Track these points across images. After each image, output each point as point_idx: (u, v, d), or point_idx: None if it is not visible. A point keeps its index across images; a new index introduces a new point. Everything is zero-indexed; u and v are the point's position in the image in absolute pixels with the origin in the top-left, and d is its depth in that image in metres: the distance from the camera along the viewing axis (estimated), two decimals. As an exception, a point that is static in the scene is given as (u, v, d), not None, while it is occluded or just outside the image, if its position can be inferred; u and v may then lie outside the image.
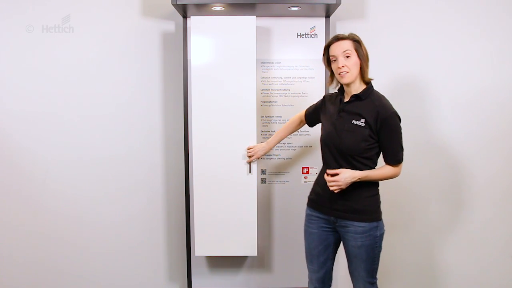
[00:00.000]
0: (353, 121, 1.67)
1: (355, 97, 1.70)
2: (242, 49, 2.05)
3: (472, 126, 2.42)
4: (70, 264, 2.48)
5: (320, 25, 2.23)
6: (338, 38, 1.68)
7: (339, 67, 1.66)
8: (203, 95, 2.08)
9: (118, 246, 2.49)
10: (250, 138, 2.08)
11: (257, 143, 2.27)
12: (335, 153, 1.71)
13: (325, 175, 1.68)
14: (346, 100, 1.73)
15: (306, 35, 2.24)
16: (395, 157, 1.69)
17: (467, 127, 2.42)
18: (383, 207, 2.46)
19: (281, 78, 2.27)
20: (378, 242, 1.72)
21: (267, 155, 2.30)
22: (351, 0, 2.33)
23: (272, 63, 2.26)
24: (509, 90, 2.39)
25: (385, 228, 2.48)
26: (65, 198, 2.43)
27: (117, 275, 2.51)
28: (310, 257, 1.86)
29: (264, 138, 2.29)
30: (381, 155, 1.74)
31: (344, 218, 1.72)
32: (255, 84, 2.06)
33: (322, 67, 2.15)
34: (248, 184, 2.10)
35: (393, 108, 1.67)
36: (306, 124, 2.01)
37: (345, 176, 1.64)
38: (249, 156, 2.06)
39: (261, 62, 2.25)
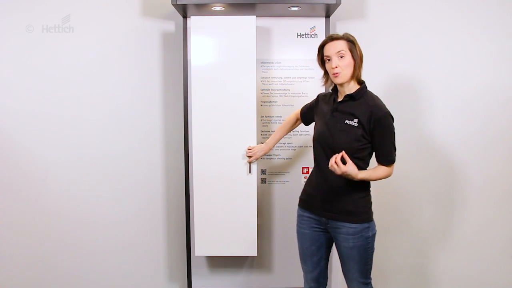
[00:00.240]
0: (346, 121, 1.67)
1: (349, 97, 1.69)
2: (242, 49, 2.05)
3: (472, 126, 2.42)
4: (70, 264, 2.48)
5: (320, 25, 2.23)
6: (332, 38, 1.68)
7: (332, 67, 1.66)
8: (203, 95, 2.07)
9: (118, 246, 2.49)
10: (250, 138, 2.08)
11: (257, 143, 2.28)
12: (328, 153, 1.71)
13: (334, 158, 1.59)
14: (339, 99, 1.73)
15: (306, 35, 2.24)
16: (388, 157, 1.69)
17: (467, 128, 2.42)
18: (379, 209, 2.46)
19: (281, 78, 2.27)
20: (371, 242, 1.72)
21: (267, 155, 2.30)
22: (351, 0, 2.33)
23: (272, 63, 2.26)
24: (508, 90, 2.39)
25: (381, 230, 2.48)
26: (65, 198, 2.43)
27: (117, 275, 2.51)
28: (303, 257, 1.87)
29: (264, 138, 2.29)
30: (373, 156, 1.74)
31: (336, 219, 1.72)
32: (255, 84, 2.05)
33: (322, 67, 2.15)
34: (248, 184, 2.10)
35: (387, 108, 1.66)
36: (302, 123, 2.01)
37: (349, 170, 1.58)
38: (249, 157, 2.05)
39: (261, 62, 2.25)
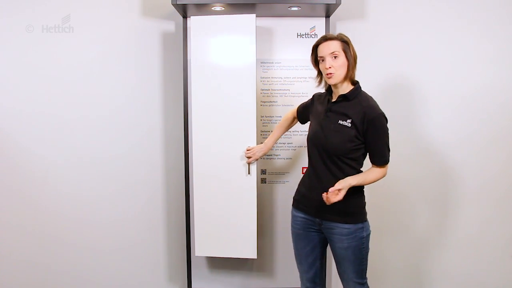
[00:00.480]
0: (339, 121, 1.67)
1: (342, 98, 1.69)
2: (242, 48, 2.03)
3: (471, 127, 2.42)
4: (70, 264, 2.48)
5: (320, 25, 2.23)
6: (326, 39, 1.67)
7: (326, 68, 1.66)
8: (203, 95, 2.07)
9: (118, 246, 2.49)
10: (249, 138, 2.06)
11: (257, 143, 2.28)
12: (321, 153, 1.71)
13: (325, 196, 1.62)
14: (333, 100, 1.73)
15: (306, 35, 2.24)
16: (382, 158, 1.68)
17: (467, 128, 2.42)
18: (376, 210, 2.47)
19: (281, 78, 2.27)
20: (365, 243, 1.72)
21: (267, 155, 2.30)
22: (351, 0, 2.33)
23: (272, 63, 2.26)
24: (507, 91, 2.39)
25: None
26: (65, 198, 2.43)
27: (117, 275, 2.51)
28: (298, 257, 1.87)
29: (264, 138, 2.29)
30: (367, 157, 1.74)
31: (329, 220, 1.72)
32: (255, 83, 2.03)
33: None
34: (247, 185, 2.07)
35: (380, 109, 1.66)
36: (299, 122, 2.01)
37: (341, 196, 1.60)
38: (248, 158, 2.03)
39: (261, 62, 2.25)
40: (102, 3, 2.35)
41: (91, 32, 2.36)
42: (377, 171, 1.70)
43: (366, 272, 1.77)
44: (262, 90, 2.27)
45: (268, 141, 2.01)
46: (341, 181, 1.63)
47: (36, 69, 2.36)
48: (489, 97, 2.40)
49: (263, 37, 2.23)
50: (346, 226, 1.69)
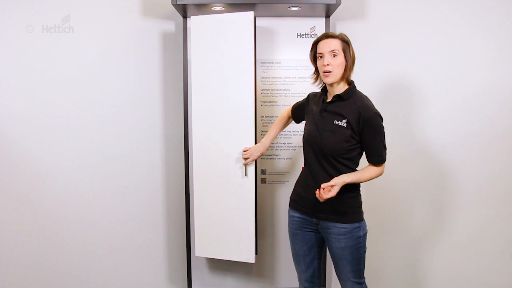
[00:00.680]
0: (335, 121, 1.67)
1: (338, 97, 1.69)
2: (240, 46, 1.99)
3: (471, 126, 2.42)
4: (70, 264, 2.48)
5: (320, 25, 2.23)
6: (327, 36, 1.67)
7: (324, 65, 1.65)
8: (202, 94, 2.06)
9: (118, 246, 2.49)
10: (247, 138, 2.01)
11: (257, 143, 2.28)
12: (317, 153, 1.71)
13: (318, 192, 1.63)
14: (328, 100, 1.73)
15: (306, 35, 2.24)
16: (378, 157, 1.68)
17: (466, 128, 2.42)
18: (376, 210, 2.47)
19: (281, 78, 2.27)
20: (362, 242, 1.72)
21: (267, 155, 2.30)
22: (351, 0, 2.33)
23: (272, 63, 2.26)
24: (507, 92, 2.39)
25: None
26: (65, 198, 2.43)
27: (117, 275, 2.51)
28: (296, 258, 1.87)
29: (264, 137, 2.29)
30: (363, 156, 1.74)
31: (326, 219, 1.72)
32: (253, 82, 1.99)
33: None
34: (245, 188, 2.02)
35: (375, 108, 1.66)
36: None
37: (334, 192, 1.61)
38: (245, 159, 1.98)
39: (261, 62, 2.25)
40: (102, 3, 2.35)
41: (91, 32, 2.36)
42: (374, 169, 1.70)
43: (364, 272, 1.77)
44: (262, 90, 2.27)
45: (265, 140, 1.97)
46: (335, 178, 1.64)
47: (36, 69, 2.36)
48: (489, 97, 2.40)
49: (263, 37, 2.23)
50: (343, 225, 1.69)
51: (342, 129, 1.65)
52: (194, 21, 2.05)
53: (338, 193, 1.64)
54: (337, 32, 1.71)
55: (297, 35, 2.24)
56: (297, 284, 2.34)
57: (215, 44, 2.04)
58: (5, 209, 2.42)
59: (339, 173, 1.67)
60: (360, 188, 1.76)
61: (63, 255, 2.47)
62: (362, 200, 1.77)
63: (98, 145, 2.41)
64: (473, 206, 2.46)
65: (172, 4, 2.02)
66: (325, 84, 1.74)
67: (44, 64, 2.36)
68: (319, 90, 1.82)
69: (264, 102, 2.28)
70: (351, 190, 1.71)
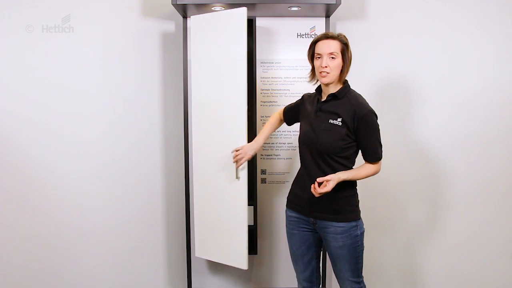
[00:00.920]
0: (330, 120, 1.67)
1: (332, 96, 1.69)
2: (234, 43, 1.93)
3: (471, 127, 2.42)
4: (70, 265, 2.48)
5: (320, 25, 2.23)
6: (327, 37, 1.66)
7: (322, 66, 1.65)
8: (200, 94, 2.04)
9: (118, 246, 2.49)
10: (239, 139, 1.93)
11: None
12: (313, 153, 1.71)
13: (313, 187, 1.62)
14: (323, 99, 1.73)
15: (306, 35, 2.24)
16: (374, 155, 1.69)
17: (467, 128, 2.42)
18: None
19: (281, 78, 2.27)
20: (359, 241, 1.72)
21: (267, 155, 2.30)
22: (351, 0, 2.33)
23: (272, 63, 2.26)
24: (506, 92, 2.39)
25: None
26: (65, 198, 2.43)
27: (117, 275, 2.51)
28: (294, 258, 1.87)
29: (264, 138, 2.29)
30: (360, 156, 1.74)
31: (323, 219, 1.72)
32: (245, 80, 1.91)
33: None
34: (237, 192, 1.94)
35: (370, 106, 1.67)
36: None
37: (329, 187, 1.60)
38: (237, 161, 1.89)
39: (261, 62, 2.25)
40: (102, 3, 2.35)
41: (91, 32, 2.36)
42: (370, 167, 1.70)
43: (362, 271, 1.77)
44: (262, 90, 2.27)
45: (259, 138, 1.91)
46: (332, 174, 1.63)
47: (36, 69, 2.36)
48: (488, 97, 2.40)
49: (263, 37, 2.22)
50: (340, 224, 1.69)
51: (337, 127, 1.65)
52: (193, 20, 2.04)
53: (335, 192, 1.64)
54: (338, 33, 1.69)
55: (297, 35, 2.24)
56: (296, 282, 2.35)
57: (211, 42, 2.01)
58: (5, 213, 2.42)
59: (336, 171, 1.67)
60: (356, 187, 1.76)
61: (63, 256, 2.47)
62: (359, 199, 1.77)
63: (97, 145, 2.41)
64: (472, 206, 2.46)
65: (172, 4, 2.02)
66: (320, 83, 1.75)
67: (44, 64, 2.36)
68: (314, 91, 1.82)
69: (264, 102, 2.28)
70: (348, 189, 1.71)
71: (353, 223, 1.70)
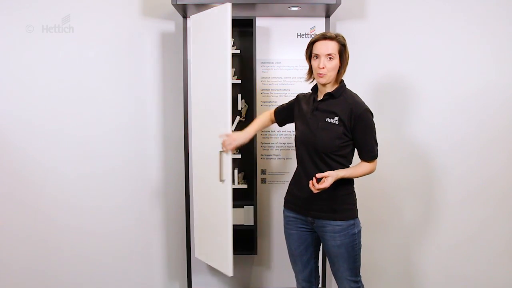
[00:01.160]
0: (327, 119, 1.67)
1: (329, 95, 1.70)
2: (219, 40, 1.85)
3: (471, 127, 2.42)
4: (71, 266, 2.48)
5: (320, 25, 2.23)
6: (325, 37, 1.66)
7: (319, 67, 1.65)
8: (196, 93, 2.03)
9: (118, 246, 2.49)
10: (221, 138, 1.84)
11: (258, 143, 2.28)
12: (311, 152, 1.71)
13: (311, 183, 1.61)
14: (319, 98, 1.73)
15: (306, 35, 2.24)
16: (370, 153, 1.69)
17: (467, 128, 2.42)
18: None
19: (281, 78, 2.27)
20: (357, 239, 1.72)
21: (267, 155, 2.30)
22: (351, 0, 2.33)
23: (272, 63, 2.26)
24: (507, 92, 2.39)
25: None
26: (65, 198, 2.43)
27: (117, 275, 2.51)
28: (293, 258, 1.87)
29: (264, 137, 2.29)
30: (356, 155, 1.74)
31: (322, 218, 1.72)
32: (230, 77, 1.82)
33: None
34: (222, 194, 1.86)
35: (366, 105, 1.67)
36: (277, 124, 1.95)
37: (328, 183, 1.60)
38: (225, 145, 1.81)
39: (261, 62, 2.25)
40: (102, 3, 2.35)
41: (91, 32, 2.36)
42: (366, 165, 1.71)
43: (359, 270, 1.77)
44: (262, 90, 2.27)
45: (250, 130, 1.86)
46: (330, 173, 1.62)
47: (36, 69, 2.36)
48: (488, 98, 2.40)
49: (263, 37, 2.23)
50: (338, 223, 1.69)
51: (334, 126, 1.66)
52: (192, 20, 2.04)
53: (334, 190, 1.65)
54: (336, 33, 1.68)
55: (297, 35, 2.25)
56: (295, 282, 2.35)
57: (205, 40, 1.99)
58: (4, 214, 2.42)
59: (333, 170, 1.67)
60: (354, 186, 1.76)
61: (63, 257, 2.47)
62: (357, 198, 1.77)
63: (97, 145, 2.41)
64: (472, 206, 2.46)
65: (172, 4, 2.02)
66: (316, 83, 1.75)
67: (44, 64, 2.36)
68: (309, 91, 1.82)
69: (264, 102, 2.28)
70: (346, 188, 1.71)
71: (351, 221, 1.71)
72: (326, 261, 2.28)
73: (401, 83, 2.41)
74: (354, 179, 1.75)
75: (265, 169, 2.32)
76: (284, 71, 2.26)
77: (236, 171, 2.26)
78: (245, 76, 2.29)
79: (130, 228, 2.48)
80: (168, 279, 2.55)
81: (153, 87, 2.41)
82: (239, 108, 2.29)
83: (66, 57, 2.36)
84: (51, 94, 2.37)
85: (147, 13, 2.36)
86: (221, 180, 1.85)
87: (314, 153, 1.70)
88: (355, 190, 1.77)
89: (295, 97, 1.88)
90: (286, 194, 1.87)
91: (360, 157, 1.72)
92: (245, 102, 2.30)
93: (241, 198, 2.31)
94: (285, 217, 1.86)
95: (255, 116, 2.24)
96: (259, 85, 2.25)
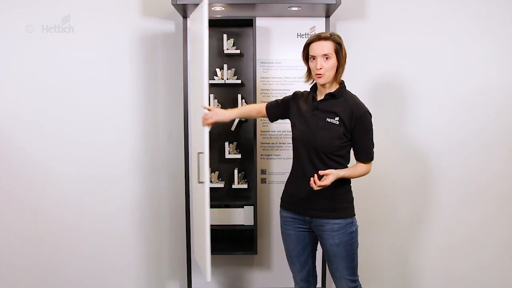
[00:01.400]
0: (327, 119, 1.68)
1: (330, 96, 1.70)
2: (200, 37, 1.83)
3: (471, 127, 2.42)
4: (70, 266, 2.48)
5: (320, 25, 2.24)
6: (320, 38, 1.65)
7: (317, 68, 1.65)
8: (193, 92, 2.01)
9: (118, 246, 2.49)
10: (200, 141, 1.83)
11: (258, 143, 2.27)
12: (310, 151, 1.71)
13: (312, 180, 1.60)
14: (320, 98, 1.73)
15: (306, 35, 2.24)
16: (368, 155, 1.70)
17: (467, 128, 2.42)
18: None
19: (281, 78, 2.27)
20: (354, 237, 1.73)
21: (267, 155, 2.30)
22: (351, 0, 2.33)
23: (272, 63, 2.27)
24: (507, 92, 2.39)
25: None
26: (64, 198, 2.43)
27: (117, 275, 2.51)
28: (290, 258, 1.87)
29: (264, 137, 2.30)
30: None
31: (320, 216, 1.72)
32: (207, 78, 1.78)
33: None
34: (201, 196, 1.81)
35: (366, 107, 1.69)
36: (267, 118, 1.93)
37: (329, 181, 1.60)
38: (206, 118, 1.79)
39: (261, 62, 2.25)
40: (102, 3, 2.35)
41: (91, 32, 2.36)
42: (363, 167, 1.72)
43: (357, 269, 1.78)
44: (262, 90, 2.27)
45: (234, 111, 1.89)
46: (331, 171, 1.62)
47: (36, 69, 2.36)
48: (488, 98, 2.40)
49: (263, 37, 2.23)
50: (336, 221, 1.70)
51: (334, 126, 1.66)
52: (190, 19, 2.03)
53: (332, 190, 1.66)
54: (330, 32, 1.68)
55: (297, 35, 2.25)
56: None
57: (195, 38, 1.98)
58: (4, 214, 2.42)
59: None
60: (351, 185, 1.77)
61: (62, 256, 2.47)
62: (354, 198, 1.77)
63: (97, 145, 2.41)
64: (471, 206, 2.46)
65: (172, 4, 2.02)
66: (314, 83, 1.76)
67: (44, 64, 2.36)
68: (305, 89, 1.82)
69: (264, 102, 2.27)
70: (343, 186, 1.72)
71: (349, 220, 1.71)
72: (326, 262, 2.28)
73: (400, 82, 2.41)
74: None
75: (265, 169, 2.32)
76: (284, 71, 2.27)
77: (236, 171, 2.26)
78: (245, 76, 2.29)
79: (130, 228, 2.48)
80: (168, 279, 2.55)
81: (153, 87, 2.41)
82: (239, 108, 2.29)
83: (66, 57, 2.36)
84: (51, 94, 2.37)
85: (147, 13, 2.36)
86: (200, 182, 1.82)
87: (313, 153, 1.70)
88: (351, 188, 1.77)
89: (291, 94, 1.87)
90: (282, 195, 1.87)
91: (356, 158, 1.73)
92: (245, 102, 2.30)
93: (241, 198, 2.31)
94: (282, 217, 1.86)
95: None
96: (259, 85, 2.26)
